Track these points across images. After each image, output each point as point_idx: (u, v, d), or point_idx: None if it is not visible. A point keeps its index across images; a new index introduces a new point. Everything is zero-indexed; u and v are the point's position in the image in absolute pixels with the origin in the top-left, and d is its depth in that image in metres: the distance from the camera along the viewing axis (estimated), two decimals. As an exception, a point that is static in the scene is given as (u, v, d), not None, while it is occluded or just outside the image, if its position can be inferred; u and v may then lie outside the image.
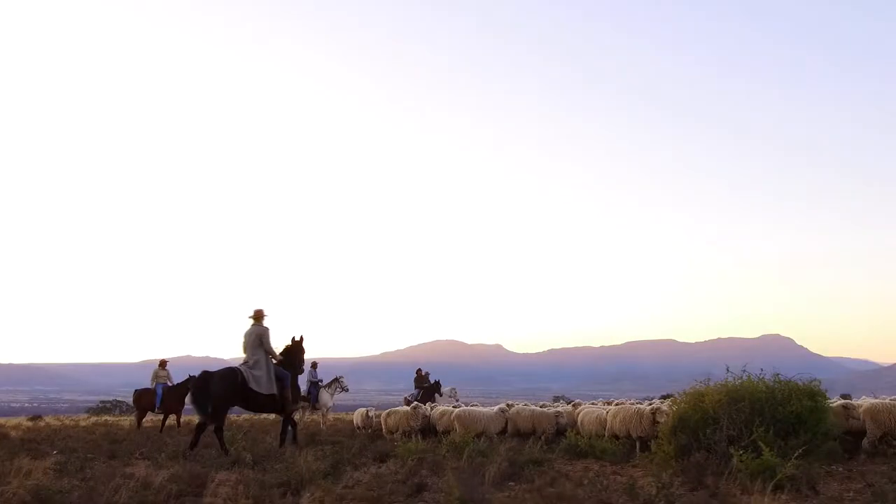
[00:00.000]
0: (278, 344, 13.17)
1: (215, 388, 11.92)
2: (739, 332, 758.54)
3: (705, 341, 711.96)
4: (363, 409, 19.97)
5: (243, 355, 12.60)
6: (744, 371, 10.19)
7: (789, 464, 7.25)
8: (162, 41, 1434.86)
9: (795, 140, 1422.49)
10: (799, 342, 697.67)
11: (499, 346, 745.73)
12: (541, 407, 16.06)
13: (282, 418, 13.34)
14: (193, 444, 11.84)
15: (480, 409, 15.83)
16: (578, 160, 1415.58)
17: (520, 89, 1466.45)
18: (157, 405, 20.96)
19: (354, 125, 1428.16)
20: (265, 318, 12.71)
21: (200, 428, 12.19)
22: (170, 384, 21.23)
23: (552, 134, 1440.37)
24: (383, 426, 16.70)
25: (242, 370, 12.18)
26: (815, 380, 9.97)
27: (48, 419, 33.54)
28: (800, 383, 9.76)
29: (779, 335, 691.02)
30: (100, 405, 51.71)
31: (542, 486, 6.36)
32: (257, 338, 12.42)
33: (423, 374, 25.93)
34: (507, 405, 15.24)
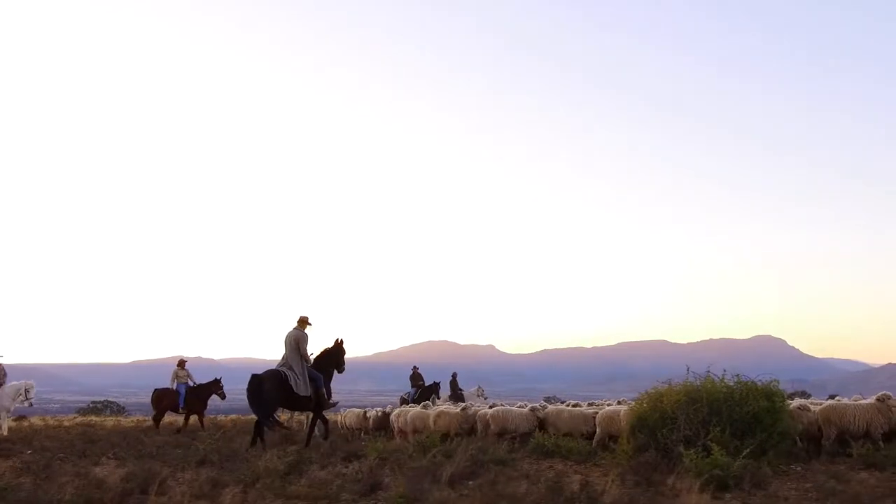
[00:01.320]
0: (317, 346, 14.16)
1: (268, 388, 12.98)
2: (732, 332, 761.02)
3: (698, 342, 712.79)
4: (357, 410, 19.28)
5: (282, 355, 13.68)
6: (707, 371, 10.35)
7: (736, 463, 7.38)
8: (162, 41, 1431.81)
9: (788, 141, 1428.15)
10: (791, 343, 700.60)
11: (491, 347, 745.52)
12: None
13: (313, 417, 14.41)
14: (256, 442, 12.88)
15: (514, 408, 14.69)
16: (570, 160, 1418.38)
17: (513, 89, 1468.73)
18: (181, 405, 20.76)
19: (346, 126, 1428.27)
20: (309, 325, 13.71)
21: (260, 426, 13.22)
22: (191, 384, 21.05)
23: (545, 134, 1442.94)
24: (431, 427, 14.30)
25: (284, 371, 13.20)
26: (773, 380, 10.11)
27: (33, 419, 33.50)
28: (759, 384, 9.91)
29: (771, 336, 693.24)
30: (91, 405, 51.45)
31: (482, 484, 6.47)
32: (294, 342, 13.33)
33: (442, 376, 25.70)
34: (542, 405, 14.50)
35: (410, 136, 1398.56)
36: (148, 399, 22.19)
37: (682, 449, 8.31)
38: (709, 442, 8.30)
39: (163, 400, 20.95)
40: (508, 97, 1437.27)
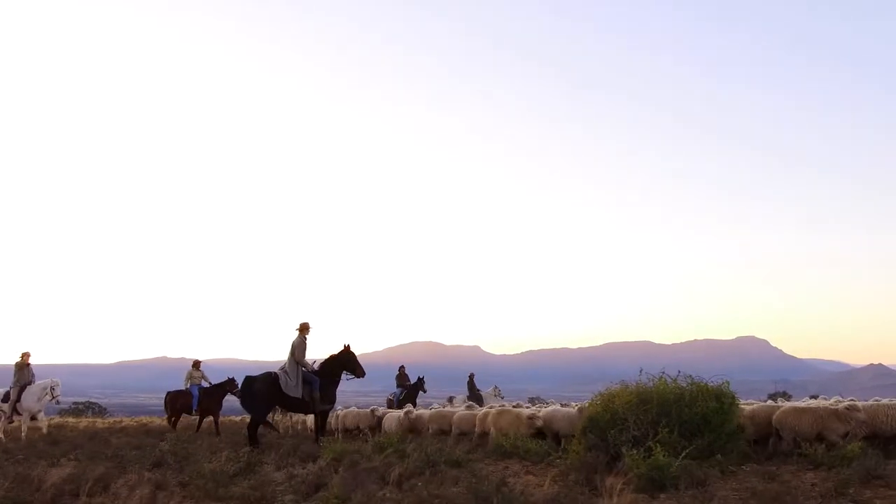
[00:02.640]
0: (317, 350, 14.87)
1: (258, 389, 14.03)
2: (716, 333, 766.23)
3: (682, 343, 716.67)
4: (360, 409, 18.45)
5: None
6: (663, 373, 10.45)
7: (676, 463, 7.48)
8: (163, 42, 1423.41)
9: (774, 144, 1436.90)
10: (774, 344, 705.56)
11: (476, 348, 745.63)
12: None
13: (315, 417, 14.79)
14: (254, 441, 13.53)
15: (562, 408, 13.96)
16: (555, 163, 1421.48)
17: (501, 91, 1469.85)
18: (195, 407, 20.32)
19: (334, 131, 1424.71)
20: (309, 330, 14.48)
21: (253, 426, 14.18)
22: (205, 384, 20.66)
23: (530, 136, 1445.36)
24: (492, 428, 13.06)
25: (278, 373, 14.11)
26: (724, 381, 10.21)
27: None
28: (710, 385, 10.02)
29: (754, 337, 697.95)
30: (72, 406, 51.02)
31: (416, 484, 6.53)
32: (292, 347, 14.21)
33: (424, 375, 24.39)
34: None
35: (397, 140, 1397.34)
36: (130, 400, 21.93)
37: (624, 450, 8.41)
38: (654, 442, 8.38)
39: (176, 401, 20.58)
40: (495, 100, 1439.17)
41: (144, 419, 36.66)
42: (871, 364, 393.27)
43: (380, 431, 16.54)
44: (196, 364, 21.17)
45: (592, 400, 10.65)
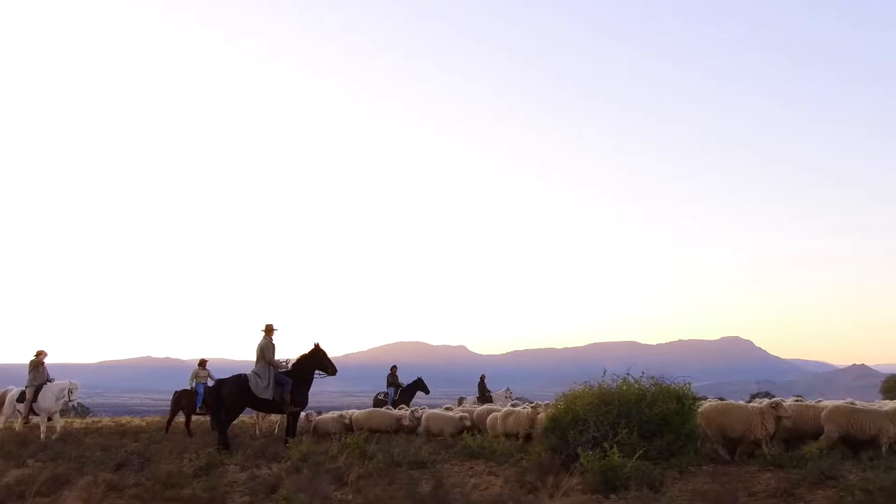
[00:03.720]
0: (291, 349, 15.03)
1: (227, 391, 14.02)
2: (701, 334, 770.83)
3: (667, 343, 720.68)
4: (386, 412, 17.64)
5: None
6: (627, 374, 10.54)
7: (629, 464, 7.55)
8: (165, 45, 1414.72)
9: (761, 149, 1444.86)
10: (758, 345, 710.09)
11: (463, 348, 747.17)
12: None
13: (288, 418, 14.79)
14: (226, 444, 13.30)
15: None
16: (543, 165, 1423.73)
17: (492, 93, 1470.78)
18: (199, 405, 20.03)
19: (321, 133, 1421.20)
20: (274, 332, 14.57)
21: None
22: (210, 384, 20.02)
23: (519, 139, 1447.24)
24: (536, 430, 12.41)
25: (249, 375, 14.20)
26: (686, 382, 10.32)
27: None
28: (672, 386, 10.11)
29: (739, 338, 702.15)
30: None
31: (363, 486, 6.56)
32: (260, 351, 14.26)
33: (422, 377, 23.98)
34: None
35: (387, 141, 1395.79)
36: (114, 400, 21.62)
37: (579, 450, 8.48)
38: (613, 443, 8.44)
39: (181, 401, 20.43)
40: (487, 104, 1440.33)
41: (123, 419, 36.37)
42: (854, 364, 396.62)
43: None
44: (202, 363, 21.01)
45: (556, 401, 10.73)
